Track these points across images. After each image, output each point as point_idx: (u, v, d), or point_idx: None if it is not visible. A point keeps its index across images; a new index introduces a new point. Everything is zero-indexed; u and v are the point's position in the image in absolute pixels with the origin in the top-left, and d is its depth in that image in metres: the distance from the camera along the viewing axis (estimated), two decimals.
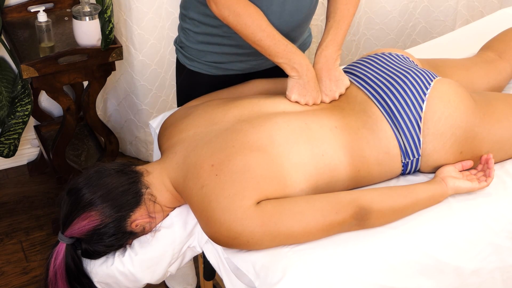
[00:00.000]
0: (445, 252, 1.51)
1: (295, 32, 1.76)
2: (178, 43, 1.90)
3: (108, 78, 2.41)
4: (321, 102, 1.67)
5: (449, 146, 1.61)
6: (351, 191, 1.52)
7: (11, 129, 2.41)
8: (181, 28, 1.87)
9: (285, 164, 1.49)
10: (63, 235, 1.50)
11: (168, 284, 2.24)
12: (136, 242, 1.54)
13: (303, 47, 1.92)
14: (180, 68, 1.90)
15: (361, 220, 1.47)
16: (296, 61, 1.64)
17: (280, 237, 1.43)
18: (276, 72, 1.79)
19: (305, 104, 1.65)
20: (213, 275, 1.86)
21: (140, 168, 1.55)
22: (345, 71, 1.76)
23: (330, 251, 1.44)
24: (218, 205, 1.42)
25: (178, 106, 1.97)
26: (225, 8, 1.61)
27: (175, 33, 2.58)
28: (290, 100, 1.66)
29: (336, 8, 1.72)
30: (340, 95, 1.68)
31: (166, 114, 1.84)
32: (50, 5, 2.46)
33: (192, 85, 1.88)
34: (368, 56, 1.78)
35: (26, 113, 2.40)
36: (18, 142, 2.45)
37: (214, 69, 1.83)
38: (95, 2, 2.33)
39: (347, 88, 1.69)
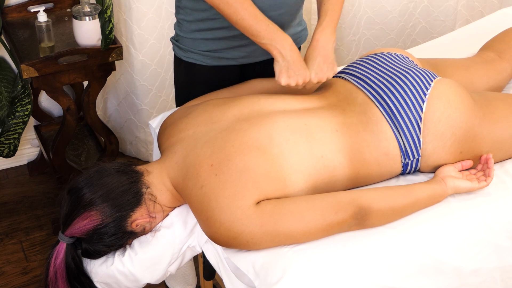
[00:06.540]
0: (445, 252, 1.51)
1: (284, 16, 1.75)
2: (174, 37, 1.91)
3: (108, 78, 2.41)
4: (309, 81, 1.66)
5: (449, 146, 1.61)
6: (350, 191, 1.52)
7: (11, 129, 2.41)
8: (176, 22, 1.88)
9: (284, 164, 1.49)
10: (63, 235, 1.50)
11: (168, 284, 2.24)
12: (136, 242, 1.54)
13: (298, 41, 1.90)
14: (177, 62, 1.91)
15: (361, 220, 1.47)
16: (278, 41, 1.64)
17: (280, 237, 1.43)
18: (272, 65, 1.78)
19: (296, 85, 1.65)
20: (213, 275, 1.86)
21: (140, 168, 1.55)
22: (344, 72, 1.76)
23: (330, 251, 1.44)
24: (218, 205, 1.42)
25: (177, 103, 1.98)
26: None
27: None
28: (281, 85, 1.65)
29: None
30: (334, 92, 1.68)
31: (166, 114, 1.84)
32: (50, 5, 2.46)
33: (189, 79, 1.88)
34: (368, 56, 1.78)
35: (26, 113, 2.40)
36: (18, 142, 2.45)
37: (209, 59, 1.83)
38: (95, 2, 2.33)
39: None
